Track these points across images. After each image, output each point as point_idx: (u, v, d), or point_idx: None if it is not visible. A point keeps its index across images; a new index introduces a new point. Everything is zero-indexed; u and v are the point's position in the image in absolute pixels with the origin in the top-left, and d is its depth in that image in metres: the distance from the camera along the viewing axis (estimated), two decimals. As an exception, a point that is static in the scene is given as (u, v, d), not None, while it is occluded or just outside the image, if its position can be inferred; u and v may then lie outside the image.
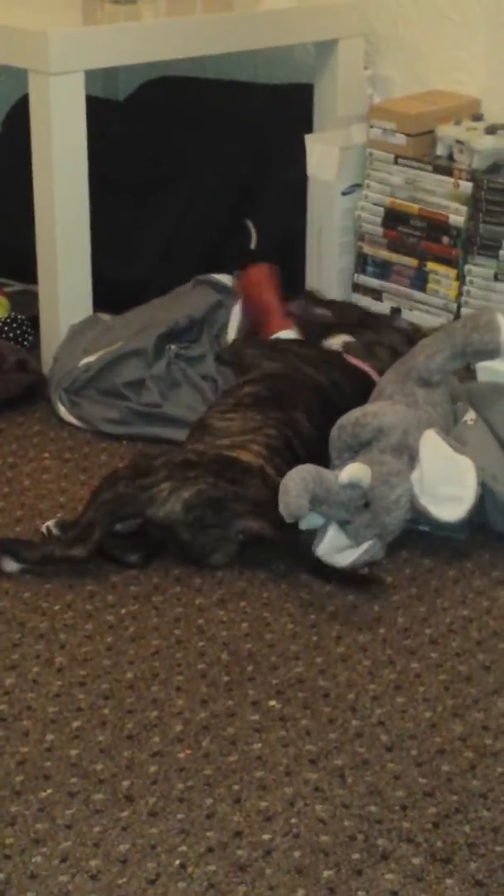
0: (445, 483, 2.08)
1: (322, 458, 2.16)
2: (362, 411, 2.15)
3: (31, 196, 2.61)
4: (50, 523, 2.12)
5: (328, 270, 2.87)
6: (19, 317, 2.83)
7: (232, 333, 2.56)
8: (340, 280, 2.87)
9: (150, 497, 2.03)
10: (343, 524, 2.08)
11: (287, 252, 2.95)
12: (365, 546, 2.07)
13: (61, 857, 1.50)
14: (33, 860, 1.49)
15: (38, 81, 2.51)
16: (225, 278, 2.64)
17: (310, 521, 2.08)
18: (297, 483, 2.00)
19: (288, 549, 2.05)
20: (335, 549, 2.08)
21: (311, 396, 2.27)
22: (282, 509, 2.00)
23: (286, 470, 2.05)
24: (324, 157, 2.80)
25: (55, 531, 2.11)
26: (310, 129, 2.94)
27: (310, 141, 2.84)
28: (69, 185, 2.57)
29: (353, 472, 2.05)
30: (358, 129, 2.82)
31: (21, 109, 2.92)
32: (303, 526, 2.07)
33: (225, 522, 2.04)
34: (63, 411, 2.53)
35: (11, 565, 2.04)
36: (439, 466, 2.08)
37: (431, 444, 2.10)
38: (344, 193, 2.83)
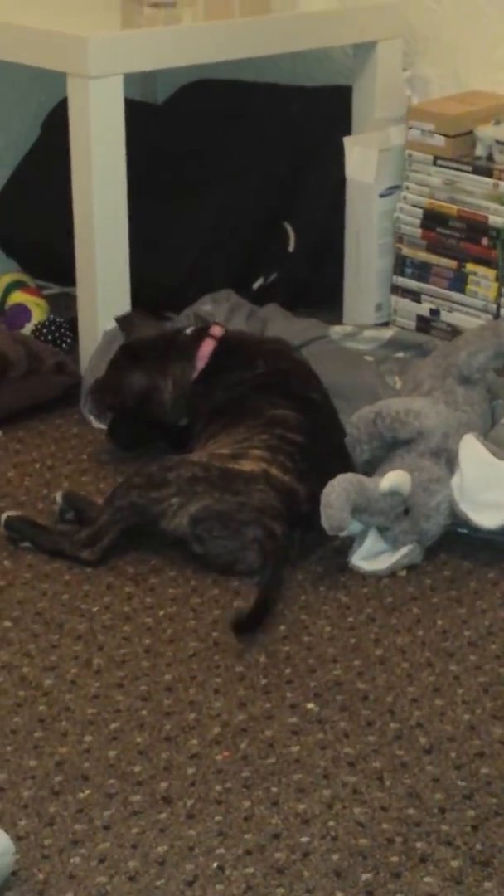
0: (486, 489, 2.07)
1: (317, 437, 2.16)
2: (405, 407, 2.14)
3: (69, 199, 2.63)
4: (58, 494, 2.18)
5: (366, 272, 2.87)
6: (58, 319, 2.84)
7: None
8: (379, 282, 2.86)
9: (161, 510, 2.06)
10: (382, 530, 2.08)
11: (325, 254, 2.96)
12: (403, 550, 2.07)
13: (99, 858, 1.50)
14: (72, 861, 1.50)
15: (77, 85, 2.52)
16: (209, 307, 2.62)
17: (349, 528, 2.08)
18: (340, 495, 2.00)
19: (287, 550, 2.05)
20: (373, 553, 2.08)
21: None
22: (324, 522, 2.00)
23: (291, 464, 2.07)
24: (362, 158, 2.80)
25: (59, 501, 2.18)
26: (348, 131, 2.94)
27: (348, 143, 2.84)
28: (108, 188, 2.58)
29: (394, 479, 2.04)
30: (397, 131, 2.82)
31: (60, 113, 2.94)
32: (343, 533, 2.07)
33: (234, 533, 2.04)
34: (92, 419, 2.52)
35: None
36: (479, 472, 2.07)
37: (471, 449, 2.09)
38: (382, 195, 2.82)
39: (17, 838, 1.51)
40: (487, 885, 1.46)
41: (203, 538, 2.05)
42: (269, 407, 2.19)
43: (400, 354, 2.54)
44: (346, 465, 2.16)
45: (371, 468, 2.18)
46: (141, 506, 2.06)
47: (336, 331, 2.65)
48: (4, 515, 2.14)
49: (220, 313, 2.56)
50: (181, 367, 2.34)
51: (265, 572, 1.97)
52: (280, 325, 2.62)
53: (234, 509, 2.03)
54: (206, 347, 2.33)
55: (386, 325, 2.82)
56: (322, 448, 2.16)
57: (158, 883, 1.47)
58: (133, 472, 2.12)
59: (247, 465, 2.07)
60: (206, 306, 2.58)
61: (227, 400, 2.25)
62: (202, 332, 2.36)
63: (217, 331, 2.36)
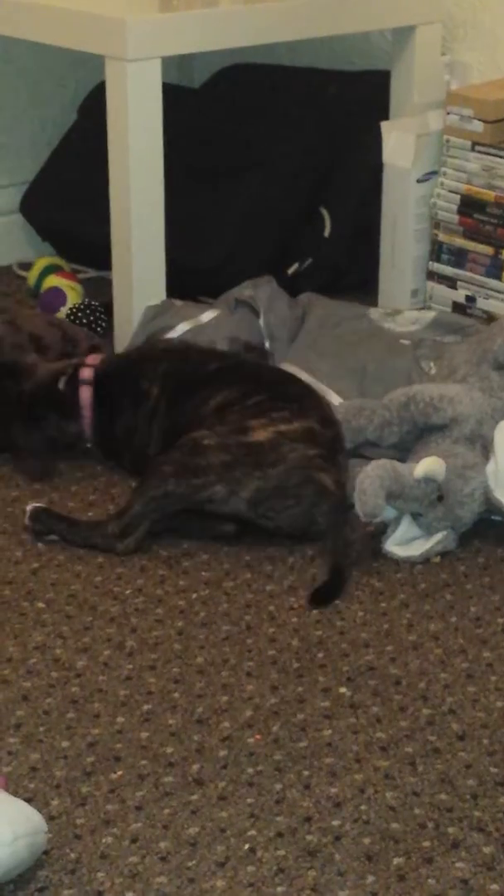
0: (521, 477, 2.06)
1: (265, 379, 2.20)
2: (439, 393, 2.13)
3: (106, 184, 2.63)
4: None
5: (402, 258, 2.86)
6: (93, 303, 2.85)
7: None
8: (415, 268, 2.85)
9: (208, 496, 2.05)
10: (416, 516, 2.08)
11: (361, 240, 2.95)
12: (437, 537, 2.07)
13: (131, 838, 1.51)
14: (104, 840, 1.50)
15: (115, 68, 2.52)
16: (250, 292, 2.61)
17: (383, 514, 2.08)
18: (374, 482, 2.00)
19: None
20: (407, 540, 2.08)
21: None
22: (358, 508, 2.00)
23: (285, 412, 2.08)
24: (400, 144, 2.79)
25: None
26: (386, 116, 2.93)
27: (386, 128, 2.83)
28: (145, 172, 2.58)
29: (429, 466, 2.04)
30: (435, 116, 2.81)
31: (97, 98, 2.95)
32: (377, 519, 2.06)
33: (296, 499, 2.05)
34: None
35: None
36: (515, 460, 2.07)
37: (507, 437, 2.09)
38: (419, 181, 2.81)
39: (50, 818, 1.52)
40: (519, 871, 1.46)
41: (269, 516, 2.05)
42: (202, 405, 2.16)
43: (441, 338, 2.52)
44: (294, 379, 2.23)
45: (397, 451, 2.17)
46: (181, 494, 2.05)
47: (376, 310, 2.65)
48: (30, 507, 2.12)
49: (261, 299, 2.55)
50: (65, 426, 2.29)
51: (330, 539, 2.00)
52: (321, 306, 2.61)
53: (282, 478, 2.03)
54: (85, 394, 2.27)
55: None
56: (277, 383, 2.20)
57: (190, 864, 1.47)
58: (159, 461, 2.10)
59: (257, 436, 2.07)
60: (246, 291, 2.57)
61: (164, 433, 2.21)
62: (74, 380, 2.28)
63: (86, 373, 2.28)
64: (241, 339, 2.50)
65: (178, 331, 2.53)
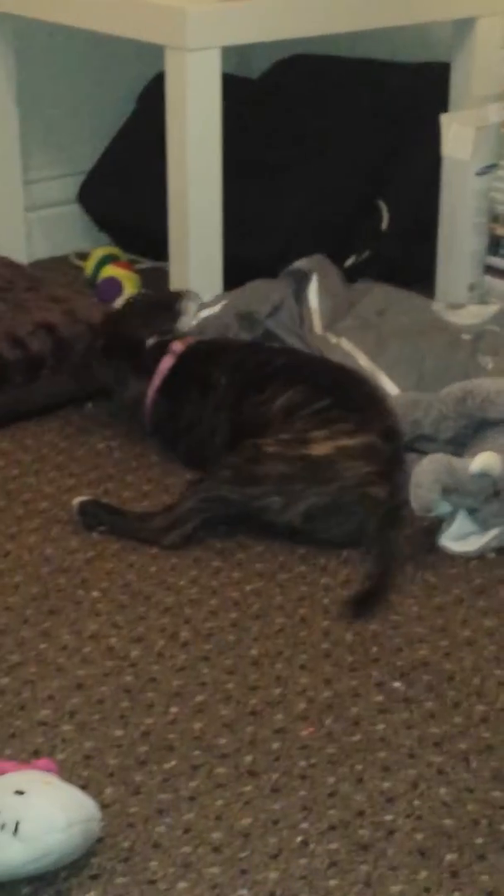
0: None
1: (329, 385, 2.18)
2: (496, 388, 2.13)
3: (163, 174, 2.64)
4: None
5: (460, 252, 2.85)
6: (148, 293, 2.85)
7: (316, 321, 2.54)
8: (472, 262, 2.84)
9: (263, 506, 2.05)
10: (472, 511, 2.08)
11: (419, 233, 2.94)
12: (493, 532, 2.07)
13: (184, 828, 1.52)
14: (156, 830, 1.51)
15: (174, 58, 2.53)
16: (303, 263, 2.61)
17: (438, 509, 2.08)
18: (429, 476, 2.00)
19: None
20: (463, 535, 2.08)
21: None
22: (413, 503, 2.00)
23: (347, 423, 2.07)
24: (459, 136, 2.79)
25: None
26: (445, 109, 2.92)
27: (445, 120, 2.82)
28: (203, 162, 2.59)
29: (485, 461, 2.04)
30: (495, 109, 2.80)
31: (155, 88, 2.95)
32: (432, 514, 2.06)
33: (347, 516, 2.05)
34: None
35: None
36: None
37: None
38: (478, 174, 2.80)
39: (103, 806, 1.53)
40: None
41: (321, 529, 2.06)
42: (267, 403, 2.17)
43: (502, 329, 2.52)
44: (360, 381, 2.22)
45: (453, 447, 2.17)
46: (234, 500, 2.05)
47: (439, 303, 2.64)
48: (77, 501, 2.13)
49: (315, 268, 2.57)
50: (138, 381, 2.34)
51: (376, 549, 2.00)
52: (381, 293, 2.61)
53: (336, 496, 2.03)
54: (165, 364, 2.33)
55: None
56: (343, 386, 2.19)
57: (242, 855, 1.48)
58: (216, 465, 2.10)
59: (317, 450, 2.06)
60: (300, 262, 2.59)
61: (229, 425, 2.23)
62: (163, 346, 2.34)
63: (177, 347, 2.34)
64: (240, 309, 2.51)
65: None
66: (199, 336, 2.43)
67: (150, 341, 2.37)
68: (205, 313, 2.52)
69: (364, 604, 1.92)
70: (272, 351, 2.37)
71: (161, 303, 2.51)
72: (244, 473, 2.05)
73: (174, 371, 2.33)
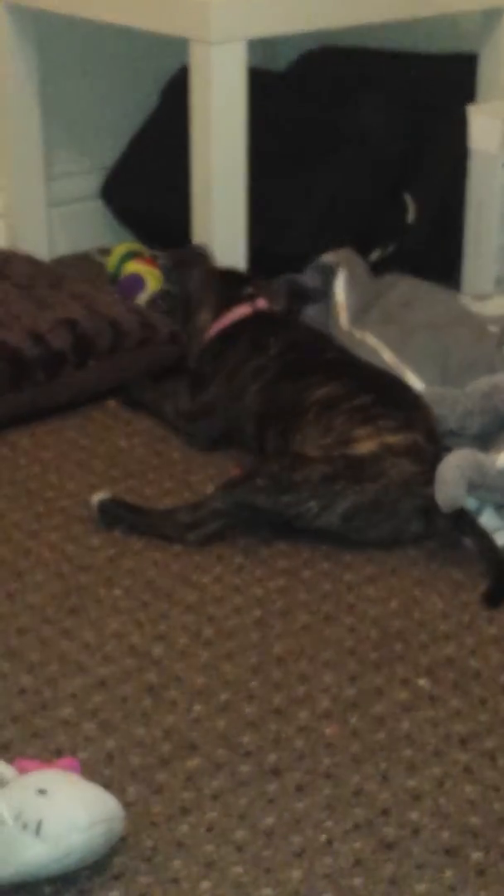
0: None
1: (374, 384, 2.19)
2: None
3: (187, 169, 2.64)
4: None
5: (487, 245, 2.85)
6: (172, 289, 2.85)
7: (342, 315, 2.54)
8: (499, 255, 2.84)
9: (297, 513, 2.05)
10: (498, 507, 2.07)
11: (446, 226, 2.94)
12: (520, 528, 2.06)
13: (207, 827, 1.52)
14: (180, 829, 1.52)
15: (198, 51, 2.54)
16: (330, 257, 2.62)
17: (464, 505, 2.07)
18: (454, 472, 1.99)
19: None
20: (489, 531, 2.07)
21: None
22: (438, 498, 2.00)
23: (391, 421, 2.08)
24: (487, 128, 2.78)
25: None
26: (473, 100, 2.92)
27: (473, 112, 2.81)
28: (228, 157, 2.60)
29: (512, 456, 2.04)
30: (523, 100, 2.80)
31: (179, 81, 2.96)
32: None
33: (390, 514, 2.04)
34: None
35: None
36: None
37: None
38: (506, 166, 2.80)
39: (126, 805, 1.54)
40: None
41: (360, 528, 2.05)
42: (305, 391, 2.18)
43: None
44: (404, 386, 2.23)
45: (479, 442, 2.17)
46: (267, 508, 2.05)
47: (465, 294, 2.64)
48: (96, 499, 2.13)
49: (342, 261, 2.57)
50: (209, 312, 2.44)
51: (475, 538, 2.00)
52: (407, 285, 2.61)
53: (381, 494, 2.02)
54: (242, 310, 2.41)
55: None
56: (385, 385, 2.21)
57: (266, 853, 1.48)
58: (252, 468, 2.11)
59: (362, 447, 2.06)
60: (327, 256, 2.59)
61: (263, 401, 2.25)
62: (252, 298, 2.42)
63: (261, 304, 2.41)
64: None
65: None
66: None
67: (247, 290, 2.45)
68: None
69: (498, 594, 1.93)
70: (326, 344, 2.39)
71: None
72: (281, 482, 2.04)
73: (242, 323, 2.40)
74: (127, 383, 2.52)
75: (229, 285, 2.48)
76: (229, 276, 2.53)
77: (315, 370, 2.23)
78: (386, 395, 2.16)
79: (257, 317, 2.41)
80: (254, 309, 2.42)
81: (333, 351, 2.34)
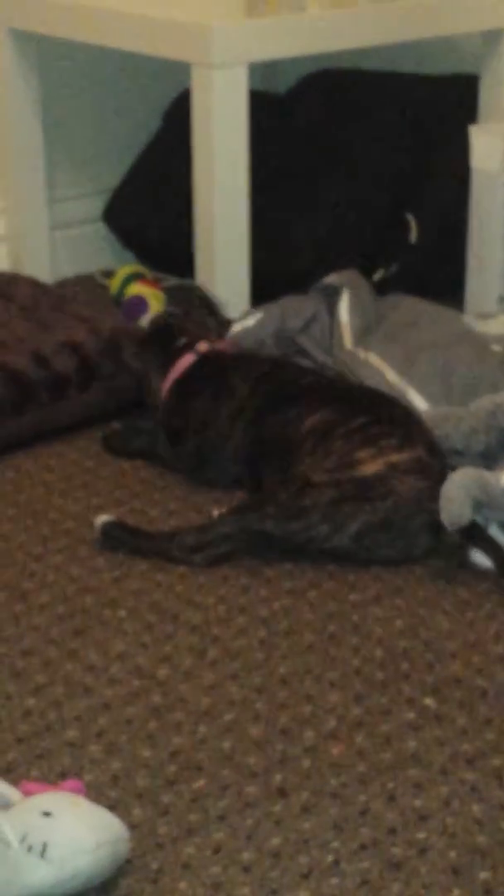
0: None
1: (367, 405, 2.18)
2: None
3: (190, 191, 2.65)
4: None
5: (490, 264, 2.85)
6: (175, 311, 2.86)
7: (346, 336, 2.54)
8: (503, 274, 2.84)
9: (307, 538, 2.05)
10: (503, 525, 2.07)
11: (448, 245, 2.95)
12: (526, 546, 2.06)
13: (214, 849, 1.51)
14: (186, 850, 1.51)
15: (201, 75, 2.55)
16: (335, 279, 2.62)
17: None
18: (460, 490, 1.99)
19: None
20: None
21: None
22: (444, 517, 2.00)
23: (392, 440, 2.07)
24: (488, 148, 2.78)
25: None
26: (474, 120, 2.93)
27: (474, 132, 2.82)
28: (230, 179, 2.60)
29: (517, 475, 2.04)
30: (524, 120, 2.81)
31: (182, 105, 2.97)
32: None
33: (400, 532, 2.05)
34: None
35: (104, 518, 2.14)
36: None
37: None
38: (508, 185, 2.81)
39: (132, 827, 1.53)
40: None
41: (371, 547, 2.05)
42: (295, 423, 2.17)
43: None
44: (392, 402, 2.22)
45: (484, 460, 2.16)
46: (277, 535, 2.05)
47: (467, 315, 2.65)
48: (99, 521, 2.12)
49: (345, 282, 2.58)
50: (158, 375, 2.40)
51: (489, 549, 2.00)
52: (409, 305, 2.61)
53: (391, 512, 2.02)
54: (183, 362, 2.37)
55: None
56: (375, 403, 2.20)
57: (273, 874, 1.48)
58: (259, 499, 2.11)
59: (367, 469, 2.06)
60: (331, 277, 2.60)
61: (252, 441, 2.24)
62: (190, 345, 2.39)
63: (202, 347, 2.38)
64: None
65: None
66: (231, 345, 2.45)
67: (182, 340, 2.41)
68: (237, 327, 2.53)
69: None
70: (298, 370, 2.37)
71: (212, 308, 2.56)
72: (289, 510, 2.04)
73: (192, 370, 2.35)
74: (110, 431, 2.47)
75: (163, 344, 2.43)
76: (159, 335, 2.46)
77: (298, 399, 2.21)
78: (379, 414, 2.16)
79: (206, 360, 2.37)
80: (197, 354, 2.38)
81: (307, 376, 2.32)
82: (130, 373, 2.49)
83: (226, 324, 2.52)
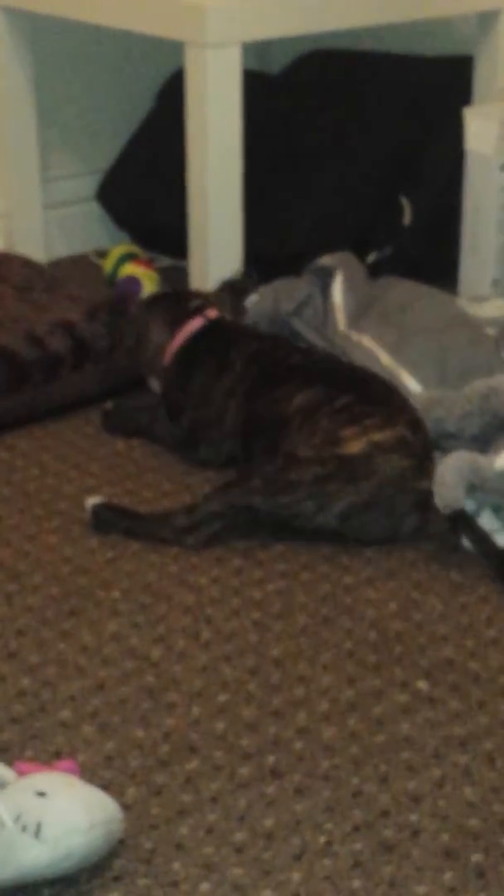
0: None
1: (349, 383, 2.18)
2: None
3: (183, 171, 2.64)
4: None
5: (484, 248, 2.85)
6: (168, 291, 2.86)
7: (340, 318, 2.53)
8: (497, 257, 2.84)
9: (294, 513, 2.05)
10: (496, 509, 2.07)
11: (442, 229, 2.94)
12: (519, 530, 2.07)
13: (207, 829, 1.52)
14: (179, 831, 1.52)
15: (194, 54, 2.54)
16: (329, 260, 2.61)
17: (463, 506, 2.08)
18: (454, 474, 2.00)
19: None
20: (488, 532, 2.08)
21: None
22: (438, 500, 2.01)
23: (375, 419, 2.07)
24: (483, 130, 2.78)
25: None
26: (469, 103, 2.92)
27: (469, 114, 2.82)
28: (223, 160, 2.60)
29: (511, 459, 2.04)
30: (519, 103, 2.80)
31: (175, 84, 2.96)
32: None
33: (387, 512, 2.05)
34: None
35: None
36: None
37: None
38: (503, 168, 2.80)
39: (125, 807, 1.54)
40: None
41: (357, 527, 2.06)
42: (284, 402, 2.17)
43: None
44: (378, 379, 2.22)
45: (478, 444, 2.17)
46: (266, 510, 2.06)
47: (461, 297, 2.65)
48: (90, 503, 2.12)
49: (339, 265, 2.57)
50: (162, 332, 2.39)
51: (475, 539, 2.00)
52: (403, 288, 2.61)
53: (375, 492, 2.03)
54: (188, 328, 2.36)
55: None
56: (359, 381, 2.20)
57: (265, 855, 1.48)
58: (245, 472, 2.11)
59: (350, 447, 2.07)
60: (325, 259, 2.59)
61: (245, 420, 2.24)
62: (197, 310, 2.39)
63: (212, 313, 2.38)
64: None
65: None
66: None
67: (195, 302, 2.41)
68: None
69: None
70: (289, 348, 2.36)
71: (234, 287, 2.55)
72: (276, 483, 2.04)
73: (199, 335, 2.36)
74: (106, 410, 2.47)
75: (175, 303, 2.43)
76: (172, 295, 2.49)
77: (285, 379, 2.21)
78: (364, 392, 2.16)
79: (213, 327, 2.37)
80: (206, 319, 2.38)
81: (295, 355, 2.31)
82: (122, 335, 2.46)
83: (242, 311, 2.51)
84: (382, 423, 2.08)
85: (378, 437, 2.07)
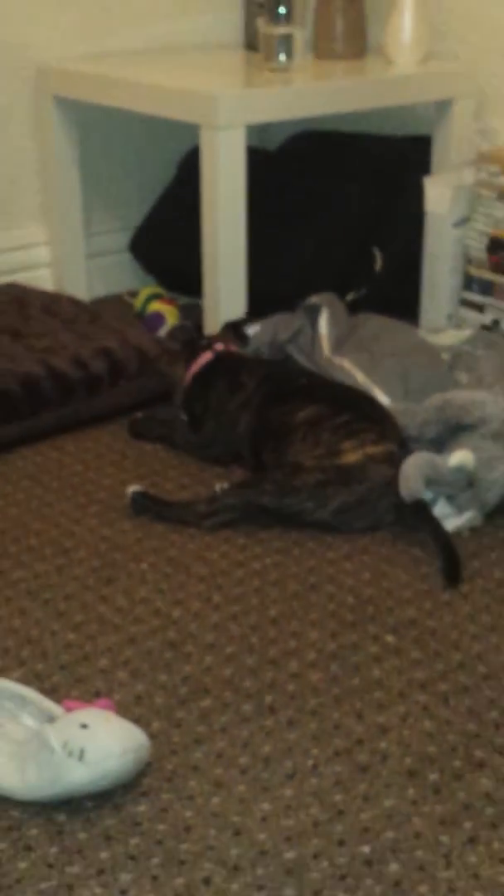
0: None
1: (347, 400, 2.17)
2: (470, 398, 2.13)
3: (199, 228, 2.64)
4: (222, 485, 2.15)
5: (440, 288, 2.85)
6: (187, 324, 2.86)
7: (325, 345, 2.52)
8: (450, 296, 2.84)
9: (297, 511, 2.04)
10: (449, 498, 2.07)
11: (407, 273, 2.94)
12: (467, 515, 2.06)
13: (217, 754, 1.52)
14: (194, 755, 1.52)
15: (208, 134, 2.54)
16: (316, 299, 2.60)
17: (423, 496, 2.07)
18: (416, 470, 2.00)
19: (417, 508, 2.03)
20: (442, 517, 2.07)
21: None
22: (402, 491, 2.00)
23: (369, 433, 2.06)
24: (439, 195, 2.78)
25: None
26: (428, 172, 2.92)
27: (428, 182, 2.82)
28: (231, 218, 2.59)
29: (461, 458, 2.03)
30: (468, 172, 2.80)
31: (192, 157, 2.96)
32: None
33: (371, 510, 2.05)
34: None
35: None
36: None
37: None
38: (455, 225, 2.80)
39: (151, 736, 1.54)
40: (533, 787, 1.46)
41: (347, 521, 2.05)
42: (290, 414, 2.15)
43: (474, 350, 2.51)
44: (371, 401, 2.20)
45: (435, 446, 2.17)
46: (273, 508, 2.05)
47: (422, 329, 2.64)
48: (130, 490, 2.12)
49: (325, 303, 2.56)
50: (180, 369, 2.40)
51: (430, 531, 1.98)
52: (378, 322, 2.60)
53: (365, 494, 2.03)
54: (205, 357, 2.37)
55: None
56: (357, 401, 2.18)
57: (264, 775, 1.48)
58: (260, 476, 2.10)
59: (348, 458, 2.06)
60: (313, 298, 2.59)
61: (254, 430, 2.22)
62: (208, 346, 2.39)
63: (219, 347, 2.38)
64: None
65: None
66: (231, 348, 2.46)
67: (204, 340, 2.42)
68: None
69: (453, 573, 1.90)
70: (295, 371, 2.37)
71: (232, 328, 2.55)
72: (284, 487, 2.04)
73: (209, 365, 2.36)
74: (134, 419, 2.45)
75: (189, 344, 2.43)
76: (186, 340, 2.47)
77: (293, 396, 2.20)
78: (361, 412, 2.15)
79: (221, 357, 2.37)
80: (215, 352, 2.38)
81: (302, 377, 2.31)
82: (162, 376, 2.48)
83: (245, 339, 2.51)
84: (377, 438, 2.08)
85: (372, 450, 2.06)
